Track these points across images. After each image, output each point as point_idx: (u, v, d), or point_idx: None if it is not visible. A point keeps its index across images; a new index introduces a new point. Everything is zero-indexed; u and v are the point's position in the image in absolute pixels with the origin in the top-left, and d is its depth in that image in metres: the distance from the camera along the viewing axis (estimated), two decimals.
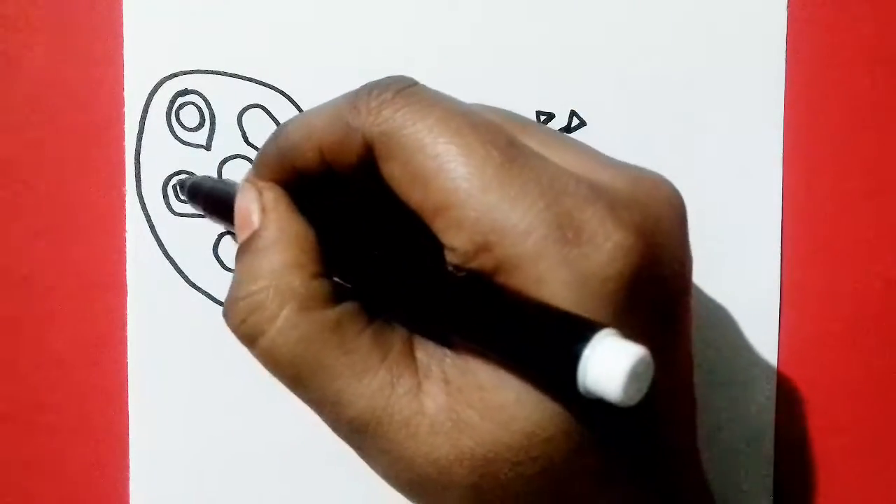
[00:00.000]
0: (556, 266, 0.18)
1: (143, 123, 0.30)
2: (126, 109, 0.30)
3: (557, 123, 0.31)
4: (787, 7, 0.31)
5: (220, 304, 0.30)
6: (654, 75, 0.31)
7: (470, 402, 0.19)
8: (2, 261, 0.30)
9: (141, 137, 0.30)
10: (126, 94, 0.30)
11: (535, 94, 0.30)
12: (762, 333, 0.31)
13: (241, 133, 0.30)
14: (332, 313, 0.20)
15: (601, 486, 0.19)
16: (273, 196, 0.22)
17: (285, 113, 0.30)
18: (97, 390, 0.30)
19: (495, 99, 0.30)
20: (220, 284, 0.30)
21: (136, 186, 0.30)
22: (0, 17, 0.30)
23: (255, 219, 0.22)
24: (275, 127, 0.30)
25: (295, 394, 0.21)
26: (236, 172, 0.30)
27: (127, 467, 0.30)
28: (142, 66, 0.30)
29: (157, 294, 0.30)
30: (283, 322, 0.20)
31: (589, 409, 0.18)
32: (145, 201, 0.30)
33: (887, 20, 0.31)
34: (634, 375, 0.16)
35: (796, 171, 0.31)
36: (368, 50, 0.30)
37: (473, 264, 0.19)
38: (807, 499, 0.31)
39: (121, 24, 0.30)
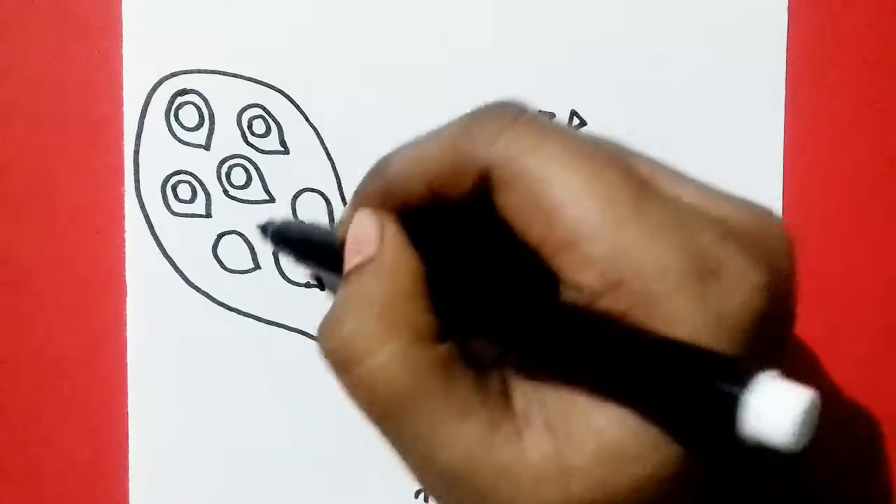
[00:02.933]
0: (694, 304, 0.17)
1: (142, 123, 0.30)
2: (125, 109, 0.30)
3: None
4: (788, 7, 0.30)
5: (220, 304, 0.30)
6: (654, 75, 0.31)
7: (580, 447, 0.18)
8: (1, 260, 0.30)
9: (140, 137, 0.30)
10: (125, 93, 0.30)
11: (535, 94, 0.30)
12: None
13: (240, 133, 0.30)
14: (442, 349, 0.19)
15: None
16: (392, 226, 0.21)
17: (285, 112, 0.30)
18: (97, 390, 0.30)
19: (495, 98, 0.30)
20: (220, 284, 0.30)
21: (135, 186, 0.30)
22: (0, 17, 0.30)
23: (371, 246, 0.21)
24: (274, 126, 0.30)
25: (380, 429, 0.20)
26: (236, 172, 0.30)
27: (127, 467, 0.30)
28: (141, 65, 0.30)
29: (156, 294, 0.30)
30: (392, 352, 0.19)
31: (712, 449, 0.17)
32: (144, 201, 0.30)
33: (887, 20, 0.31)
34: (805, 419, 0.15)
35: (796, 171, 0.31)
36: (368, 50, 0.30)
37: (602, 303, 0.18)
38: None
39: (120, 24, 0.30)
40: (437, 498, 0.20)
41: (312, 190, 0.30)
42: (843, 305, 0.31)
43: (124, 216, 0.30)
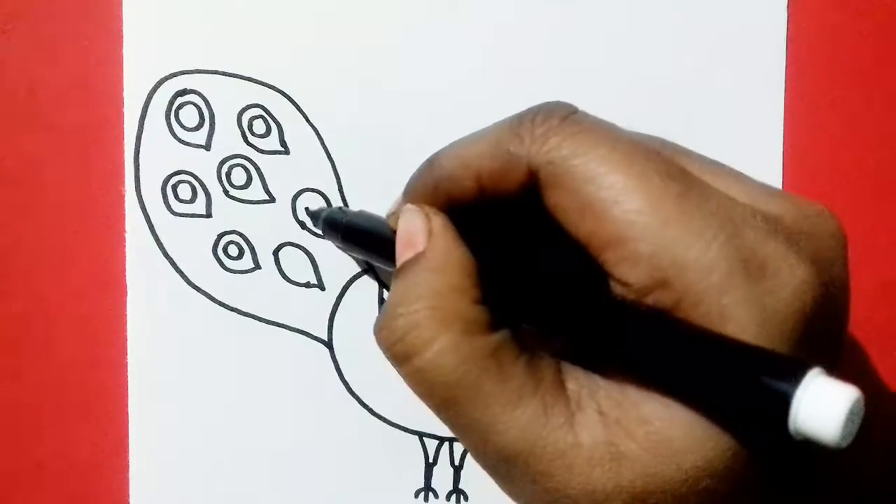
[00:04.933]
0: (741, 302, 0.17)
1: (143, 123, 0.30)
2: (125, 109, 0.30)
3: None
4: (787, 8, 0.30)
5: (220, 303, 0.30)
6: (654, 76, 0.31)
7: (631, 435, 0.18)
8: (2, 261, 0.30)
9: (140, 137, 0.30)
10: (125, 93, 0.30)
11: (536, 94, 0.30)
12: None
13: (240, 133, 0.30)
14: (493, 339, 0.20)
15: None
16: (440, 221, 0.22)
17: (285, 112, 0.30)
18: (97, 390, 0.30)
19: (495, 99, 0.30)
20: (219, 284, 0.30)
21: (136, 186, 0.30)
22: (0, 17, 0.30)
23: (421, 241, 0.22)
24: (274, 126, 0.30)
25: (440, 416, 0.20)
26: (236, 172, 0.30)
27: (127, 467, 0.30)
28: (141, 65, 0.30)
29: (156, 294, 0.30)
30: (445, 344, 0.20)
31: (764, 444, 0.18)
32: (144, 201, 0.30)
33: (887, 20, 0.31)
34: (850, 417, 0.15)
35: (796, 171, 0.31)
36: (368, 50, 0.30)
37: (649, 299, 0.18)
38: None
39: (120, 24, 0.30)
40: (498, 480, 0.21)
41: (312, 190, 0.30)
42: None
43: (124, 216, 0.30)
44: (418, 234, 0.22)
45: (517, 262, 0.22)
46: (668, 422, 0.18)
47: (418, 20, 0.30)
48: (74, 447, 0.31)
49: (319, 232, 0.30)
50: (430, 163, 0.23)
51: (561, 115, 0.20)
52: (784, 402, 0.16)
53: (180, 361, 0.30)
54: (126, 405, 0.30)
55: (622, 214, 0.18)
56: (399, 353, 0.20)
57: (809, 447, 0.16)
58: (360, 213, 0.29)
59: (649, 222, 0.18)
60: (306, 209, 0.30)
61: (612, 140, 0.19)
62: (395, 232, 0.23)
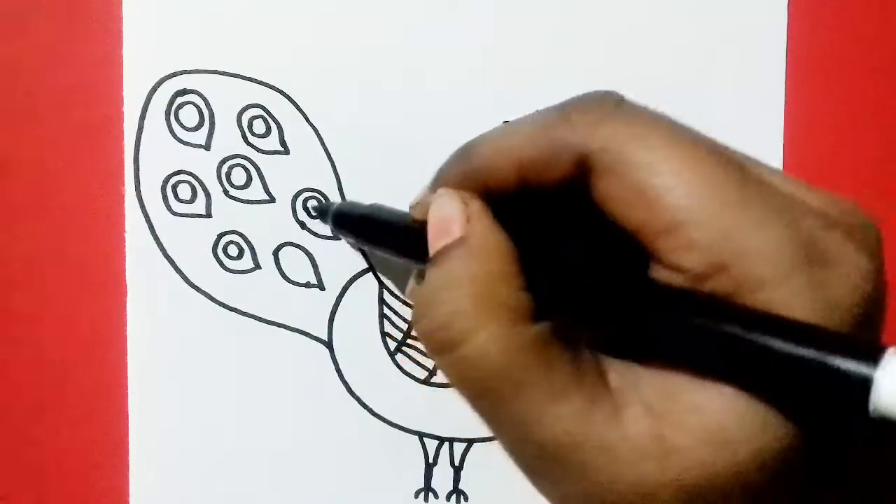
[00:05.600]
0: (802, 289, 0.17)
1: (143, 123, 0.30)
2: (125, 109, 0.30)
3: None
4: (788, 7, 0.30)
5: (220, 303, 0.30)
6: (654, 75, 0.31)
7: (680, 426, 0.18)
8: (1, 260, 0.30)
9: (140, 137, 0.30)
10: (125, 93, 0.30)
11: (536, 94, 0.30)
12: None
13: (240, 133, 0.30)
14: (537, 330, 0.19)
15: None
16: (479, 206, 0.21)
17: (285, 112, 0.30)
18: (97, 390, 0.30)
19: (495, 99, 0.30)
20: (220, 284, 0.30)
21: (136, 186, 0.30)
22: (0, 17, 0.30)
23: (458, 227, 0.21)
24: (274, 126, 0.30)
25: (478, 408, 0.20)
26: (236, 172, 0.30)
27: (127, 467, 0.30)
28: (141, 65, 0.30)
29: (156, 294, 0.30)
30: (491, 333, 0.19)
31: (828, 431, 0.18)
32: (144, 201, 0.30)
33: (887, 20, 0.31)
34: None
35: (796, 171, 0.31)
36: (368, 50, 0.30)
37: (707, 286, 0.18)
38: None
39: (120, 24, 0.30)
40: (534, 476, 0.20)
41: (312, 190, 0.30)
42: None
43: (124, 216, 0.30)
44: (455, 220, 0.21)
45: (556, 254, 0.21)
46: (722, 411, 0.18)
47: (418, 20, 0.30)
48: (74, 447, 0.31)
49: (320, 232, 0.30)
50: (465, 151, 0.22)
51: (614, 102, 0.20)
52: (865, 384, 0.15)
53: (180, 361, 0.30)
54: (126, 405, 0.30)
55: (679, 200, 0.18)
56: (443, 342, 0.20)
57: (882, 430, 0.16)
58: (374, 206, 0.28)
59: (709, 209, 0.18)
60: (312, 208, 0.30)
61: (667, 128, 0.19)
62: (418, 222, 0.22)
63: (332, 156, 0.30)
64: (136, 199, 0.30)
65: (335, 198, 0.30)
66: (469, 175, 0.22)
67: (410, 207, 0.24)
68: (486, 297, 0.19)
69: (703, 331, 0.18)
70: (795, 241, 0.18)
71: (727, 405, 0.18)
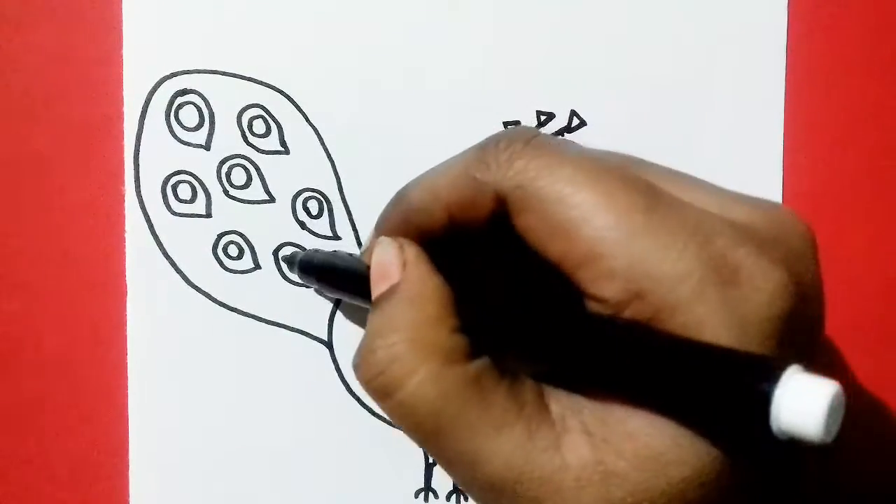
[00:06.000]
0: (716, 309, 0.18)
1: (143, 123, 0.30)
2: (125, 109, 0.30)
3: (557, 123, 0.31)
4: (788, 7, 0.30)
5: (220, 304, 0.30)
6: (654, 75, 0.31)
7: (619, 453, 0.18)
8: (1, 260, 0.30)
9: (140, 137, 0.30)
10: (125, 93, 0.30)
11: (535, 94, 0.30)
12: None
13: (240, 133, 0.30)
14: (472, 368, 0.20)
15: None
16: (414, 251, 0.22)
17: (285, 113, 0.30)
18: (97, 390, 0.30)
19: (495, 99, 0.30)
20: (220, 284, 0.30)
21: (136, 186, 0.30)
22: (0, 17, 0.30)
23: (395, 272, 0.21)
24: (274, 126, 0.30)
25: (426, 448, 0.20)
26: (236, 172, 0.30)
27: (127, 467, 0.30)
28: (141, 65, 0.30)
29: (156, 294, 0.30)
30: (425, 375, 0.19)
31: (748, 449, 0.18)
32: (144, 201, 0.30)
33: (887, 20, 0.31)
34: (832, 411, 0.15)
35: (796, 171, 0.31)
36: (368, 50, 0.30)
37: (627, 313, 0.18)
38: None
39: (120, 24, 0.30)
40: None
41: (312, 190, 0.30)
42: (842, 305, 0.31)
43: (124, 216, 0.30)
44: (392, 265, 0.22)
45: (491, 290, 0.22)
46: (654, 436, 0.18)
47: (418, 20, 0.30)
48: (74, 448, 0.31)
49: (320, 232, 0.30)
50: (400, 197, 0.23)
51: (524, 139, 0.20)
52: (765, 402, 0.15)
53: (180, 361, 0.30)
54: (126, 405, 0.30)
55: (592, 232, 0.19)
56: (380, 388, 0.20)
57: (795, 447, 0.16)
58: (335, 254, 0.29)
59: (619, 237, 0.18)
60: (282, 257, 0.30)
61: (576, 160, 0.19)
62: (367, 268, 0.23)
63: (332, 156, 0.30)
64: (136, 199, 0.30)
65: (335, 198, 0.30)
66: (405, 219, 0.23)
67: (361, 254, 0.25)
68: (421, 342, 0.20)
69: (624, 359, 0.18)
70: (706, 261, 0.18)
71: (658, 430, 0.18)
